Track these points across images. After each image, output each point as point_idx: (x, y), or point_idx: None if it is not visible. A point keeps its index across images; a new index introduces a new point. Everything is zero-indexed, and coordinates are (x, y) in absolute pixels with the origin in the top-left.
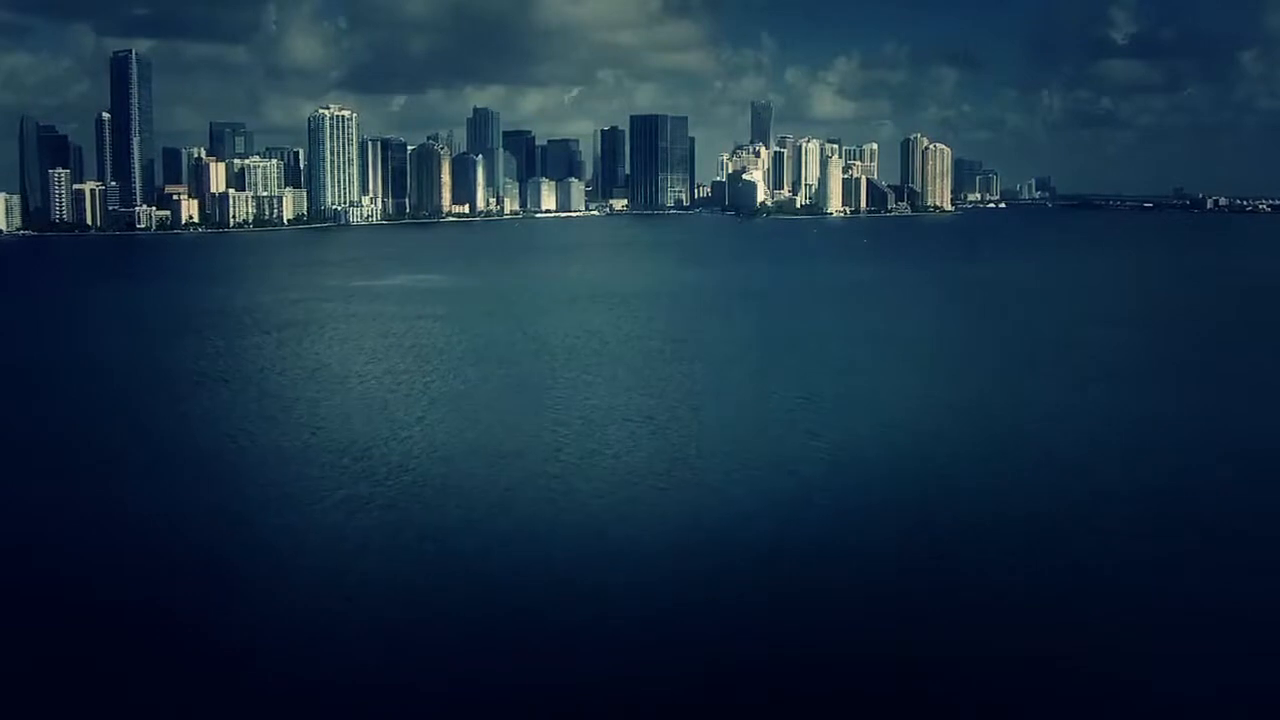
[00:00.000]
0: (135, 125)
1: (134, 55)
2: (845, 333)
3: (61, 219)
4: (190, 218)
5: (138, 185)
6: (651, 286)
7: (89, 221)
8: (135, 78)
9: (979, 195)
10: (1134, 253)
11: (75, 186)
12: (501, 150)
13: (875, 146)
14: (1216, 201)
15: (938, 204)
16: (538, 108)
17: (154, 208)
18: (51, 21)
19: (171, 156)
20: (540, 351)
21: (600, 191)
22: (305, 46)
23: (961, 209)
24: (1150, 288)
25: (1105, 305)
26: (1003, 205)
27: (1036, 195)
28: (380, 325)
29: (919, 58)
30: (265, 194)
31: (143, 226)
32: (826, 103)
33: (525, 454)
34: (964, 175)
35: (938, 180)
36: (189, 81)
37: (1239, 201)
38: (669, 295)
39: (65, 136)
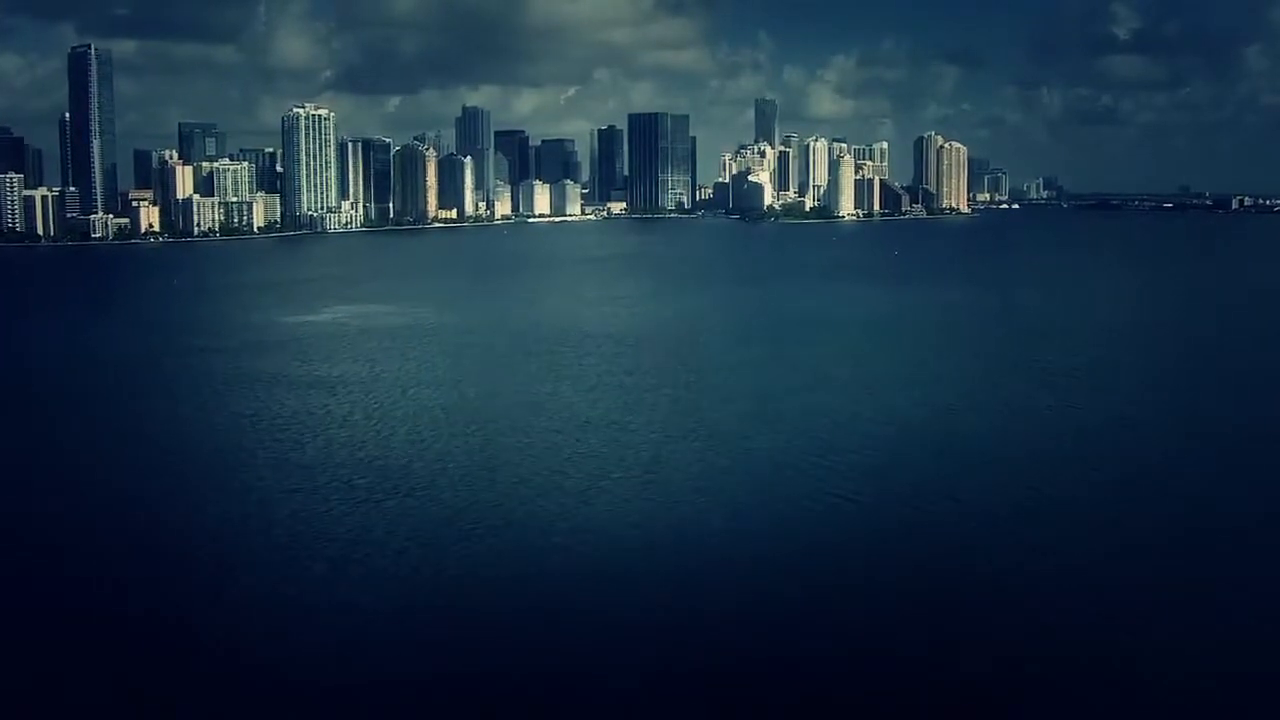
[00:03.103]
0: (95, 126)
1: (93, 51)
2: (921, 417)
3: (13, 228)
4: (150, 226)
5: (98, 190)
6: (656, 322)
7: (41, 230)
8: (95, 75)
9: (988, 195)
10: (1206, 267)
11: (26, 193)
12: (493, 151)
13: (885, 145)
14: (1242, 201)
15: (953, 205)
16: (533, 108)
17: (112, 215)
18: (33, 21)
19: (143, 160)
20: (469, 463)
21: (597, 194)
22: (296, 46)
23: (976, 210)
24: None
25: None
26: (1015, 206)
27: (1045, 195)
28: (259, 401)
29: (918, 55)
30: (234, 199)
31: (98, 236)
32: (825, 101)
33: None
34: (972, 175)
35: (953, 180)
36: (179, 83)
37: (1264, 201)
38: (680, 337)
39: (21, 139)
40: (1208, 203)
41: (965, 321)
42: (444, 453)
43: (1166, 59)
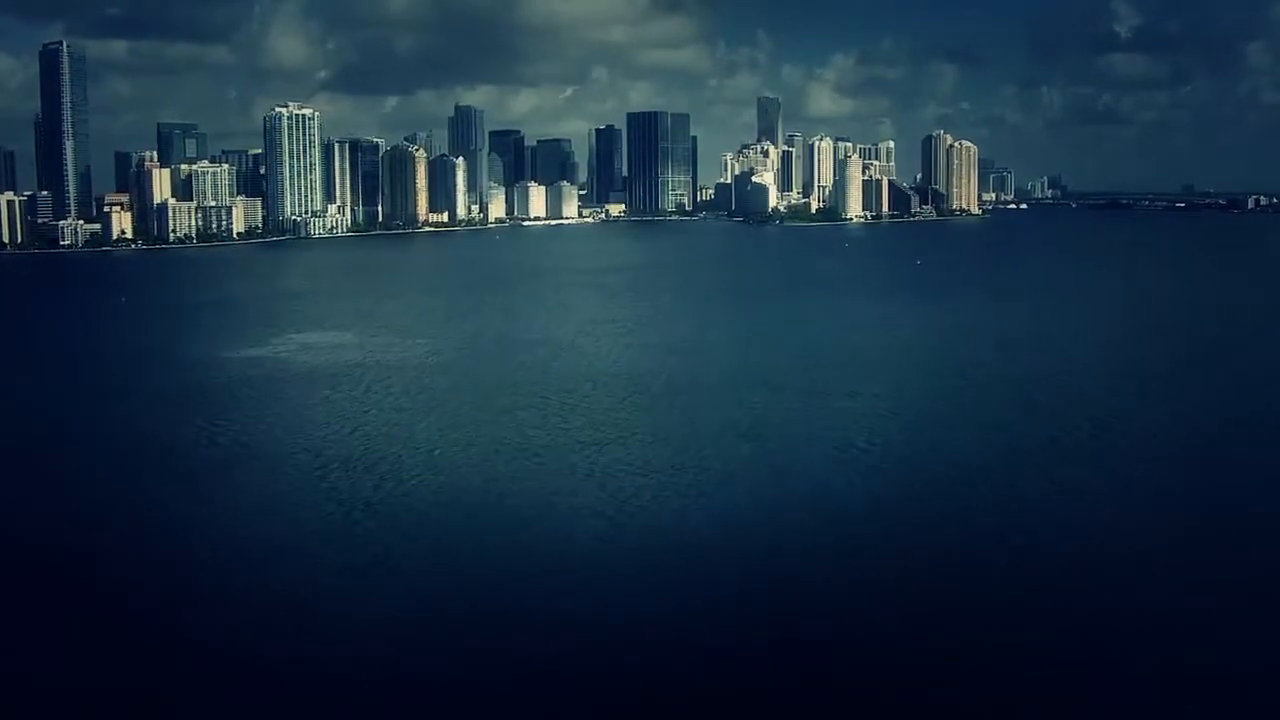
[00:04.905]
0: (68, 127)
1: (65, 48)
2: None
3: None
4: (123, 232)
5: (72, 195)
6: (659, 357)
7: (7, 237)
8: (68, 74)
9: (993, 195)
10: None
11: None
12: (487, 151)
13: (891, 145)
14: (1258, 200)
15: (964, 206)
16: (531, 108)
17: (83, 221)
18: (23, 22)
19: (123, 162)
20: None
21: (595, 195)
22: (290, 47)
23: (987, 211)
24: None
25: None
26: (1024, 206)
27: (1050, 194)
28: (105, 480)
29: (917, 54)
30: (213, 204)
31: (67, 243)
32: (824, 100)
33: None
34: (979, 175)
35: (963, 181)
36: (172, 84)
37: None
38: (690, 382)
39: None
40: (1220, 202)
41: (1056, 359)
42: (308, 600)
43: (1168, 57)
